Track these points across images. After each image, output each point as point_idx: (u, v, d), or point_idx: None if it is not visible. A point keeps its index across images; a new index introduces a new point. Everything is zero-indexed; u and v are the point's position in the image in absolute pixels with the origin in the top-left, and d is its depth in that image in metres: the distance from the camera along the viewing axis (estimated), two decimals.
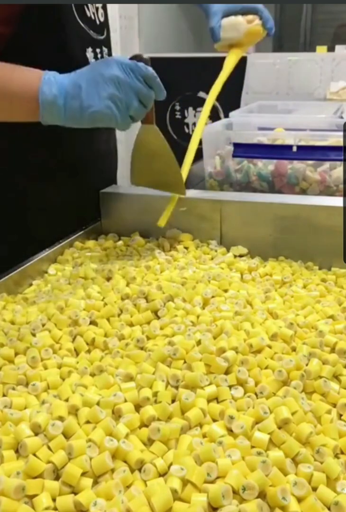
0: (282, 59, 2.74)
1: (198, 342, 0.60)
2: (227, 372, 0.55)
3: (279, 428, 0.48)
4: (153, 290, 0.72)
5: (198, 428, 0.49)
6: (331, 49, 2.78)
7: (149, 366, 0.56)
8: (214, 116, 2.04)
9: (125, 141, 1.64)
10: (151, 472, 0.44)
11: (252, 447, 0.46)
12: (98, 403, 0.50)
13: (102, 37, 0.94)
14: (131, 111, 0.73)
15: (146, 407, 0.50)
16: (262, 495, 0.42)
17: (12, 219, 0.90)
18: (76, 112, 0.71)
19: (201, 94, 2.39)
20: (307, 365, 0.57)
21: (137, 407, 0.51)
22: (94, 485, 0.44)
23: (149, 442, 0.48)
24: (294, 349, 0.61)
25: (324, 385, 0.54)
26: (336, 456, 0.47)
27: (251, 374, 0.55)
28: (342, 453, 0.48)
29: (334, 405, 0.53)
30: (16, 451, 0.46)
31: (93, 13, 0.90)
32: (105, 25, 0.96)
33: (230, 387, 0.54)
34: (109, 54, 0.97)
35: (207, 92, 0.95)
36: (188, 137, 0.94)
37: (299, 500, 0.42)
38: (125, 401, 0.51)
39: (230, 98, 2.06)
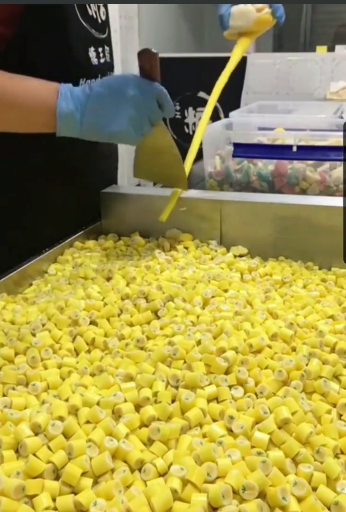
0: (282, 59, 2.74)
1: (198, 342, 0.60)
2: (227, 372, 0.55)
3: (279, 428, 0.48)
4: (153, 290, 0.72)
5: (198, 428, 0.49)
6: (331, 49, 2.78)
7: (149, 366, 0.56)
8: (214, 116, 2.04)
9: None
10: (151, 472, 0.44)
11: (252, 447, 0.46)
12: (98, 403, 0.50)
13: (104, 36, 0.94)
14: (144, 130, 0.76)
15: (146, 407, 0.50)
16: (262, 495, 0.42)
17: (12, 219, 0.90)
18: (94, 129, 0.74)
19: (201, 94, 2.39)
20: (307, 365, 0.57)
21: (137, 407, 0.51)
22: (94, 485, 0.44)
23: (149, 442, 0.48)
24: (294, 349, 0.61)
25: (324, 385, 0.54)
26: (336, 456, 0.47)
27: (251, 374, 0.55)
28: (342, 453, 0.48)
29: (334, 405, 0.53)
30: (16, 451, 0.46)
31: (95, 12, 0.90)
32: (106, 24, 0.96)
33: (230, 387, 0.54)
34: (110, 52, 0.97)
35: (207, 92, 0.95)
36: (188, 137, 0.94)
37: (299, 500, 0.42)
38: (125, 401, 0.51)
39: (230, 98, 2.06)
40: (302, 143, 1.05)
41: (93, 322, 0.67)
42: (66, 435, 0.47)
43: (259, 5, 0.98)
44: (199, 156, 1.09)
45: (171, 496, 0.41)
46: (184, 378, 0.54)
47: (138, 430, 0.49)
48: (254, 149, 1.07)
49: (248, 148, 1.07)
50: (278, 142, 1.10)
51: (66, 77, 0.77)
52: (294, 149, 1.01)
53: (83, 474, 0.44)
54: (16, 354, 0.60)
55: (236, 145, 1.06)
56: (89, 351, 0.63)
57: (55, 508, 0.42)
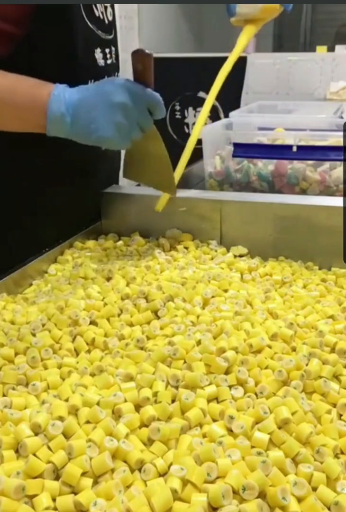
0: (282, 59, 2.74)
1: (198, 342, 0.60)
2: (227, 372, 0.55)
3: (279, 428, 0.48)
4: (153, 290, 0.72)
5: (198, 428, 0.49)
6: (331, 49, 2.78)
7: (149, 366, 0.56)
8: (214, 116, 2.04)
9: None
10: (151, 472, 0.44)
11: (252, 447, 0.46)
12: (98, 403, 0.50)
13: (110, 37, 0.94)
14: (132, 136, 0.76)
15: (146, 407, 0.50)
16: (262, 495, 0.42)
17: (12, 219, 0.90)
18: (82, 132, 0.74)
19: (201, 94, 2.39)
20: (307, 365, 0.57)
21: (137, 407, 0.51)
22: (94, 485, 0.44)
23: (149, 442, 0.48)
24: (294, 349, 0.61)
25: (324, 385, 0.54)
26: (336, 456, 0.47)
27: (251, 374, 0.55)
28: (342, 453, 0.48)
29: (334, 405, 0.53)
30: (16, 451, 0.46)
31: (102, 13, 0.90)
32: (113, 25, 0.96)
33: (230, 387, 0.54)
34: (116, 53, 0.97)
35: (207, 92, 0.94)
36: (188, 137, 0.94)
37: (299, 500, 0.42)
38: (125, 401, 0.51)
39: (230, 98, 2.06)
40: (302, 143, 1.05)
41: (93, 322, 0.67)
42: (66, 435, 0.47)
43: None
44: (199, 156, 1.09)
45: (171, 496, 0.41)
46: (184, 378, 0.54)
47: (138, 430, 0.49)
48: (254, 149, 1.07)
49: (248, 148, 1.07)
50: (278, 142, 1.10)
51: (72, 79, 0.77)
52: (294, 149, 1.01)
53: (83, 474, 0.44)
54: (16, 354, 0.60)
55: (236, 145, 1.06)
56: (89, 351, 0.63)
57: (55, 508, 0.42)
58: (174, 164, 0.90)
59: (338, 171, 1.01)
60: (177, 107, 2.50)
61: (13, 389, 0.55)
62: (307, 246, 0.84)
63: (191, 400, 0.50)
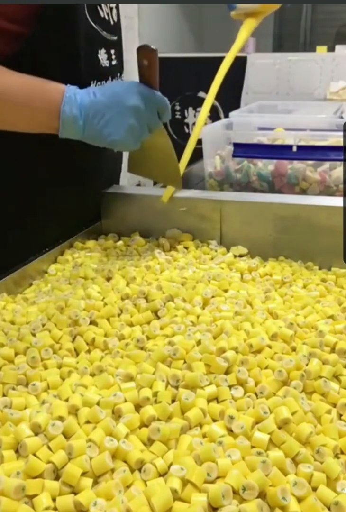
0: (282, 59, 2.74)
1: (198, 342, 0.60)
2: (227, 372, 0.55)
3: (279, 428, 0.48)
4: (153, 290, 0.72)
5: (198, 428, 0.49)
6: (331, 49, 2.78)
7: (149, 366, 0.56)
8: (214, 116, 2.04)
9: None
10: (151, 472, 0.44)
11: (252, 447, 0.46)
12: (98, 403, 0.50)
13: (115, 38, 0.94)
14: (142, 138, 0.78)
15: (146, 407, 0.50)
16: (262, 495, 0.42)
17: (12, 219, 0.90)
18: (96, 136, 0.76)
19: (201, 94, 2.39)
20: (307, 365, 0.57)
21: (137, 407, 0.51)
22: (94, 485, 0.44)
23: (149, 442, 0.48)
24: (294, 349, 0.61)
25: (324, 385, 0.54)
26: (336, 456, 0.47)
27: (251, 374, 0.55)
28: (342, 453, 0.48)
29: (334, 405, 0.53)
30: (16, 451, 0.46)
31: (107, 14, 0.90)
32: (118, 26, 0.96)
33: (230, 387, 0.54)
34: (121, 54, 0.97)
35: (207, 92, 0.94)
36: (188, 137, 0.94)
37: (299, 500, 0.42)
38: (125, 401, 0.51)
39: (230, 98, 2.06)
40: (302, 143, 1.05)
41: (93, 322, 0.67)
42: (66, 435, 0.47)
43: None
44: (199, 156, 1.09)
45: (171, 496, 0.41)
46: (184, 378, 0.54)
47: (138, 430, 0.49)
48: (254, 149, 1.07)
49: (248, 148, 1.07)
50: (278, 142, 1.10)
51: (76, 79, 0.77)
52: (294, 149, 1.01)
53: (83, 474, 0.44)
54: (16, 354, 0.60)
55: (236, 145, 1.06)
56: (89, 351, 0.63)
57: (55, 508, 0.42)
58: None
59: (338, 171, 1.01)
60: (177, 107, 2.50)
61: (13, 389, 0.55)
62: (307, 246, 0.84)
63: (191, 400, 0.50)
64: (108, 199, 0.96)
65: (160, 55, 0.77)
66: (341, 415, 0.52)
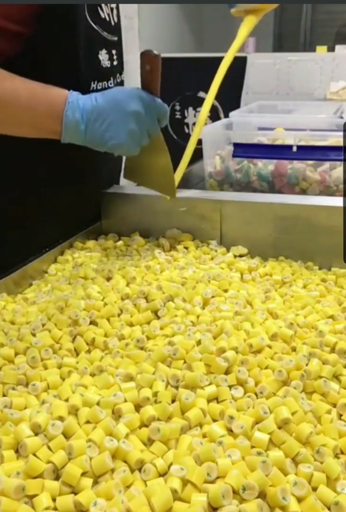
0: (282, 59, 2.74)
1: (198, 342, 0.60)
2: (227, 372, 0.55)
3: (279, 428, 0.48)
4: (153, 290, 0.72)
5: (198, 428, 0.49)
6: (331, 49, 2.78)
7: (149, 366, 0.56)
8: (214, 116, 2.04)
9: None
10: (151, 472, 0.44)
11: (252, 447, 0.46)
12: (98, 403, 0.50)
13: (116, 38, 0.94)
14: (142, 143, 0.79)
15: (146, 407, 0.50)
16: (262, 495, 0.42)
17: (12, 219, 0.90)
18: (97, 140, 0.77)
19: (201, 94, 2.39)
20: (307, 365, 0.57)
21: (137, 407, 0.51)
22: (94, 485, 0.44)
23: (149, 442, 0.48)
24: (294, 349, 0.61)
25: (324, 385, 0.54)
26: (336, 456, 0.47)
27: (251, 374, 0.55)
28: (342, 453, 0.48)
29: (334, 405, 0.53)
30: (16, 451, 0.46)
31: (108, 14, 0.90)
32: (119, 27, 0.96)
33: (230, 387, 0.54)
34: (121, 55, 0.97)
35: (207, 92, 0.94)
36: (188, 137, 0.94)
37: (299, 500, 0.42)
38: (125, 401, 0.51)
39: (230, 98, 2.06)
40: (302, 143, 1.05)
41: (93, 322, 0.67)
42: (66, 435, 0.47)
43: None
44: (199, 156, 1.09)
45: (171, 496, 0.41)
46: (184, 378, 0.54)
47: (138, 430, 0.49)
48: (254, 149, 1.07)
49: (248, 148, 1.07)
50: (278, 142, 1.10)
51: (75, 80, 0.78)
52: (294, 149, 1.01)
53: (83, 474, 0.44)
54: (16, 354, 0.60)
55: (236, 145, 1.06)
56: (89, 351, 0.63)
57: (55, 508, 0.42)
58: (175, 164, 0.90)
59: (338, 171, 1.01)
60: (177, 107, 2.50)
61: (13, 389, 0.55)
62: (307, 246, 0.84)
63: (191, 400, 0.50)
64: (108, 199, 0.96)
65: (159, 54, 0.77)
66: (341, 415, 0.52)
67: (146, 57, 0.77)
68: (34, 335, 0.63)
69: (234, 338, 0.59)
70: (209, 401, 0.52)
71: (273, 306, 0.69)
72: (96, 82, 0.88)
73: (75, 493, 0.42)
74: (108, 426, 0.47)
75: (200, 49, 3.78)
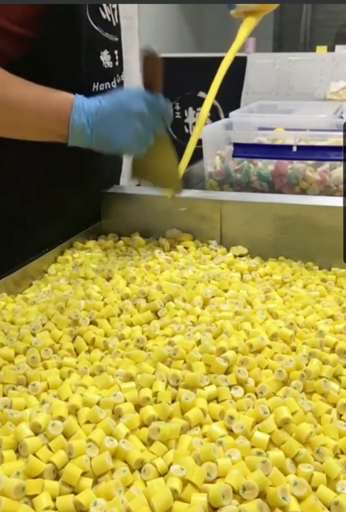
0: (282, 59, 2.74)
1: (198, 342, 0.60)
2: (227, 372, 0.55)
3: (279, 428, 0.48)
4: (153, 290, 0.72)
5: (198, 428, 0.49)
6: (331, 49, 2.78)
7: (149, 366, 0.56)
8: (214, 116, 2.04)
9: None
10: (151, 472, 0.44)
11: (252, 447, 0.46)
12: (98, 403, 0.50)
13: (117, 39, 0.94)
14: (148, 143, 0.80)
15: (146, 407, 0.50)
16: (262, 495, 0.42)
17: (12, 219, 0.90)
18: (104, 143, 0.77)
19: (201, 94, 2.39)
20: (307, 365, 0.57)
21: (137, 407, 0.51)
22: (94, 485, 0.44)
23: (149, 442, 0.48)
24: (294, 349, 0.61)
25: (324, 385, 0.54)
26: (336, 456, 0.47)
27: (251, 374, 0.55)
28: (342, 453, 0.48)
29: (334, 405, 0.53)
30: (16, 451, 0.46)
31: (110, 15, 0.90)
32: (119, 26, 0.96)
33: (230, 387, 0.54)
34: (121, 55, 0.97)
35: (207, 92, 0.94)
36: (188, 137, 0.94)
37: (299, 500, 0.42)
38: (125, 401, 0.51)
39: (230, 98, 2.06)
40: (302, 143, 1.05)
41: (93, 322, 0.67)
42: (66, 435, 0.47)
43: None
44: (199, 156, 1.09)
45: (171, 496, 0.41)
46: (184, 378, 0.54)
47: (138, 430, 0.49)
48: (254, 149, 1.07)
49: (248, 148, 1.07)
50: (278, 142, 1.10)
51: (77, 81, 0.78)
52: (294, 149, 1.01)
53: (83, 474, 0.44)
54: (16, 354, 0.60)
55: (236, 145, 1.06)
56: (89, 351, 0.63)
57: (55, 508, 0.42)
58: None
59: (338, 171, 1.01)
60: (177, 107, 2.50)
61: (13, 389, 0.55)
62: (307, 246, 0.84)
63: (191, 400, 0.50)
64: (108, 199, 0.96)
65: (160, 55, 0.77)
66: (341, 415, 0.52)
67: (148, 57, 0.77)
68: (34, 335, 0.63)
69: (234, 338, 0.59)
70: (209, 401, 0.52)
71: (273, 306, 0.69)
72: (98, 83, 0.88)
73: (75, 493, 0.42)
74: (108, 426, 0.47)
75: (200, 49, 3.78)
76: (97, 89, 0.88)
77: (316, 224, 0.82)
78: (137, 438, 0.48)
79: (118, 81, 0.96)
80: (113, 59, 0.92)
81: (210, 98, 0.94)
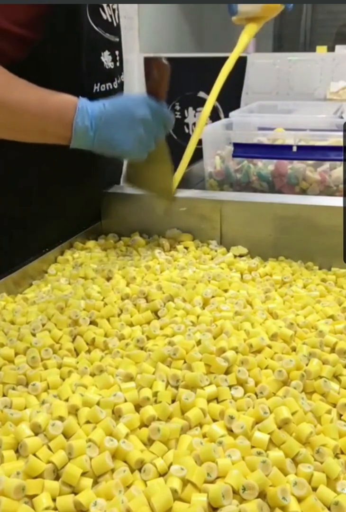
0: (282, 59, 2.74)
1: (198, 342, 0.60)
2: (227, 372, 0.55)
3: (279, 428, 0.48)
4: (153, 290, 0.72)
5: (198, 428, 0.49)
6: (331, 49, 2.78)
7: (149, 366, 0.56)
8: (214, 116, 2.04)
9: None
10: (151, 472, 0.44)
11: (252, 447, 0.46)
12: (98, 403, 0.50)
13: (118, 39, 0.94)
14: (149, 149, 0.80)
15: (146, 407, 0.50)
16: (262, 495, 0.42)
17: (12, 219, 0.90)
18: (106, 146, 0.78)
19: (201, 94, 2.39)
20: (307, 365, 0.57)
21: (137, 407, 0.51)
22: (94, 485, 0.44)
23: (149, 442, 0.48)
24: (294, 349, 0.61)
25: (324, 385, 0.54)
26: (336, 456, 0.47)
27: (251, 374, 0.55)
28: (342, 453, 0.48)
29: (334, 405, 0.53)
30: (16, 451, 0.46)
31: (110, 16, 0.91)
32: (120, 27, 0.96)
33: (230, 387, 0.54)
34: (121, 55, 0.98)
35: (207, 92, 0.94)
36: (188, 137, 0.94)
37: (299, 500, 0.42)
38: (125, 401, 0.51)
39: (230, 98, 2.06)
40: (302, 143, 1.05)
41: (93, 322, 0.67)
42: (66, 435, 0.47)
43: None
44: (199, 156, 1.09)
45: (171, 496, 0.41)
46: (184, 378, 0.54)
47: (138, 430, 0.49)
48: (254, 149, 1.07)
49: (248, 148, 1.07)
50: (278, 142, 1.10)
51: (79, 83, 0.78)
52: (294, 149, 1.01)
53: (83, 474, 0.44)
54: (16, 354, 0.60)
55: (236, 145, 1.06)
56: (89, 351, 0.63)
57: (55, 508, 0.42)
58: (175, 164, 0.90)
59: (338, 171, 1.01)
60: (177, 107, 2.49)
61: (13, 389, 0.55)
62: (307, 246, 0.84)
63: (191, 400, 0.50)
64: (108, 199, 0.96)
65: (160, 55, 0.77)
66: (341, 415, 0.52)
67: (156, 64, 0.77)
68: (34, 335, 0.63)
69: (234, 338, 0.59)
70: (209, 401, 0.52)
71: (273, 306, 0.69)
72: (99, 83, 0.88)
73: (75, 493, 0.42)
74: (108, 426, 0.47)
75: (200, 49, 3.77)
76: (98, 90, 0.88)
77: (316, 224, 0.82)
78: (137, 438, 0.48)
79: (119, 81, 0.97)
80: (114, 60, 0.92)
81: (211, 100, 0.94)
